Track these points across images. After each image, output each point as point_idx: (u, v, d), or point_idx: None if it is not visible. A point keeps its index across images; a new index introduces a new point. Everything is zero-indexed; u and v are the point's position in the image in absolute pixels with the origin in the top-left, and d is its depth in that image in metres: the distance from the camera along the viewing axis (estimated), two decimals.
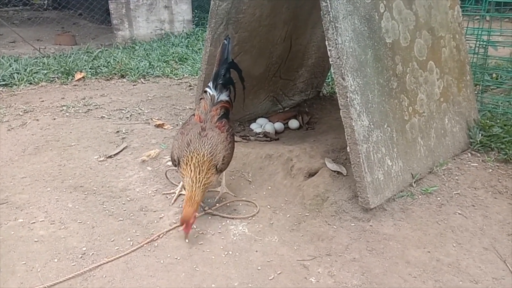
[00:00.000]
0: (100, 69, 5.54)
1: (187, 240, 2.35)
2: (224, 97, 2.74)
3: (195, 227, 2.49)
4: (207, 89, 2.74)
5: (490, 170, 2.89)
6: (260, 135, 3.61)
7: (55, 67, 5.43)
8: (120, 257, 2.24)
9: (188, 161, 2.40)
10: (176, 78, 5.39)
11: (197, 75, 5.37)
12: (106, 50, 6.41)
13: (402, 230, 2.39)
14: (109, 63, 5.72)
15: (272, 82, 3.92)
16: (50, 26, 8.58)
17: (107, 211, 2.63)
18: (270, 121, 3.84)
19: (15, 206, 2.67)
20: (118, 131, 3.62)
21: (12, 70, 5.22)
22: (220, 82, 2.72)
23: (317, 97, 4.48)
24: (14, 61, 5.57)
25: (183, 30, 7.49)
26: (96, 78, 5.33)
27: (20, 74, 5.15)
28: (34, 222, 2.52)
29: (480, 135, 3.15)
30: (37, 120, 3.90)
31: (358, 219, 2.47)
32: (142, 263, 2.21)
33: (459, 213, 2.51)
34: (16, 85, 4.94)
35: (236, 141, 2.92)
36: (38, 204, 2.69)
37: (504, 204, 2.60)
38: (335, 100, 4.40)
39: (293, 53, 3.89)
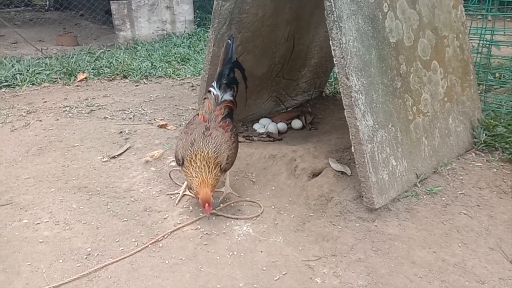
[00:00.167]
0: (103, 69, 5.54)
1: (207, 215, 2.43)
2: (228, 96, 2.75)
3: (199, 227, 2.49)
4: (211, 88, 2.74)
5: (495, 170, 2.89)
6: (263, 135, 3.60)
7: (58, 68, 5.44)
8: (125, 257, 2.24)
9: (192, 157, 2.41)
10: (178, 78, 5.39)
11: (199, 76, 5.37)
12: (108, 50, 6.41)
13: (407, 230, 2.38)
14: (111, 64, 5.72)
15: (275, 82, 3.92)
16: (51, 27, 8.59)
17: (111, 212, 2.63)
18: (273, 121, 3.83)
19: (20, 207, 2.68)
20: (121, 132, 3.62)
21: (14, 71, 5.22)
22: (224, 81, 2.73)
23: (320, 97, 4.48)
24: (17, 62, 5.57)
25: (184, 31, 7.49)
26: (99, 79, 5.33)
27: (23, 75, 5.16)
28: (38, 223, 2.52)
29: (484, 134, 3.14)
30: (40, 120, 3.91)
31: (363, 219, 2.46)
32: (147, 263, 2.21)
33: (464, 213, 2.51)
34: (18, 86, 4.95)
35: (239, 142, 2.91)
36: (42, 205, 2.69)
37: (509, 204, 2.59)
38: (337, 100, 4.43)
39: (296, 53, 3.88)
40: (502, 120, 3.34)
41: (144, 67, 5.60)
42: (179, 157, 2.54)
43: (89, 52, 6.26)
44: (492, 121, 3.29)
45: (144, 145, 3.40)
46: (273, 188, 2.89)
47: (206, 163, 2.40)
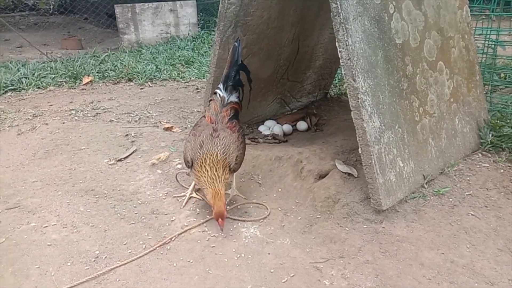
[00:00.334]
0: (108, 73, 5.57)
1: (221, 232, 2.43)
2: (234, 98, 2.76)
3: (206, 229, 2.49)
4: (217, 90, 2.75)
5: (502, 171, 2.87)
6: (268, 137, 3.60)
7: (63, 71, 5.47)
8: (133, 260, 2.25)
9: (203, 162, 2.42)
10: (183, 81, 5.40)
11: (203, 78, 5.39)
12: (113, 54, 6.44)
13: (415, 231, 2.38)
14: (116, 67, 5.75)
15: (280, 84, 3.92)
16: (56, 31, 8.65)
17: (118, 215, 2.64)
18: (278, 123, 3.84)
19: (27, 210, 2.69)
20: (127, 135, 3.63)
21: (20, 74, 5.26)
22: (230, 83, 2.73)
23: (325, 99, 4.48)
24: (22, 65, 5.62)
25: (188, 33, 7.51)
26: (104, 82, 5.36)
27: (28, 79, 5.19)
28: (46, 226, 2.53)
29: (490, 135, 3.13)
30: (47, 124, 3.93)
31: (370, 221, 2.46)
32: (155, 266, 2.22)
33: (472, 214, 2.50)
34: (24, 89, 4.98)
35: (245, 143, 2.92)
36: (50, 208, 2.71)
37: None
38: (342, 101, 4.43)
39: (301, 55, 3.89)
40: (508, 121, 3.33)
41: (149, 70, 5.63)
42: (188, 159, 2.55)
43: (94, 56, 6.30)
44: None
45: (150, 147, 3.41)
46: (280, 190, 2.89)
47: (216, 169, 2.42)
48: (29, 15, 10.58)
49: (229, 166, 2.48)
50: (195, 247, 2.35)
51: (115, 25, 7.48)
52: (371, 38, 2.42)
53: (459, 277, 2.09)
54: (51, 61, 5.94)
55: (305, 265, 2.21)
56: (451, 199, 2.60)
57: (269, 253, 2.30)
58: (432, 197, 2.60)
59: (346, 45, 2.30)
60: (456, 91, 3.01)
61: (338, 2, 2.26)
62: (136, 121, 3.99)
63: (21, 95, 4.81)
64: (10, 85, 5.00)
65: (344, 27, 2.29)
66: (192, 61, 6.11)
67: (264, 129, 3.76)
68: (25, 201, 2.78)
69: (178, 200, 2.78)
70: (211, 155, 2.43)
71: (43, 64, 5.76)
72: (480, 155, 3.06)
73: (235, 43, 2.81)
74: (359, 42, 2.35)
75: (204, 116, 2.73)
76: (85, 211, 2.68)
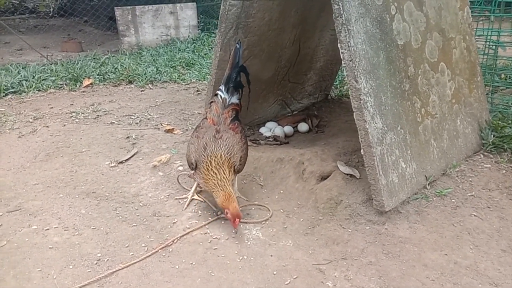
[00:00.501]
0: (108, 75, 5.57)
1: (234, 231, 2.45)
2: (235, 99, 2.76)
3: (208, 231, 2.49)
4: (219, 92, 2.75)
5: (504, 171, 2.87)
6: (270, 139, 3.60)
7: (63, 74, 5.47)
8: (135, 263, 2.24)
9: (209, 165, 2.42)
10: (183, 83, 5.40)
11: (204, 80, 5.38)
12: (113, 56, 6.44)
13: (418, 232, 2.37)
14: (116, 69, 5.75)
15: (281, 85, 3.92)
16: (56, 33, 8.65)
17: (120, 217, 2.63)
18: (279, 124, 3.83)
19: (29, 213, 2.68)
20: (128, 137, 3.63)
21: (20, 77, 5.26)
22: (232, 85, 2.73)
23: (326, 100, 4.48)
24: (22, 68, 5.61)
25: (188, 36, 7.52)
26: (104, 84, 5.36)
27: (29, 81, 5.19)
28: (48, 229, 2.52)
29: (492, 136, 3.13)
30: (47, 126, 3.92)
31: (373, 222, 2.45)
32: (158, 268, 2.21)
33: (474, 215, 2.49)
34: (25, 92, 4.98)
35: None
36: (51, 211, 2.70)
37: None
38: (343, 103, 4.43)
39: (302, 57, 3.89)
40: (510, 121, 3.33)
41: (149, 72, 5.63)
42: (192, 161, 2.54)
43: (94, 58, 6.30)
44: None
45: (152, 150, 3.40)
46: (282, 191, 2.89)
47: (223, 171, 2.43)
48: (29, 18, 10.59)
49: (234, 167, 2.48)
50: (198, 249, 2.34)
51: (115, 28, 7.49)
52: (373, 39, 2.42)
53: (463, 278, 2.08)
54: (51, 64, 5.94)
55: (308, 267, 2.21)
56: (453, 200, 2.60)
57: (271, 255, 2.30)
58: (434, 198, 2.60)
59: (348, 46, 2.30)
60: (458, 92, 3.01)
61: (340, 3, 2.26)
62: (137, 123, 3.99)
63: (22, 98, 4.81)
64: (10, 87, 4.99)
65: (346, 28, 2.28)
66: (192, 63, 6.11)
67: (265, 130, 3.75)
68: (26, 204, 2.77)
69: (179, 202, 2.77)
70: (216, 157, 2.43)
71: (43, 67, 5.76)
72: (482, 156, 3.05)
73: (237, 44, 2.81)
74: (361, 43, 2.34)
75: (206, 118, 2.73)
76: (87, 214, 2.67)
